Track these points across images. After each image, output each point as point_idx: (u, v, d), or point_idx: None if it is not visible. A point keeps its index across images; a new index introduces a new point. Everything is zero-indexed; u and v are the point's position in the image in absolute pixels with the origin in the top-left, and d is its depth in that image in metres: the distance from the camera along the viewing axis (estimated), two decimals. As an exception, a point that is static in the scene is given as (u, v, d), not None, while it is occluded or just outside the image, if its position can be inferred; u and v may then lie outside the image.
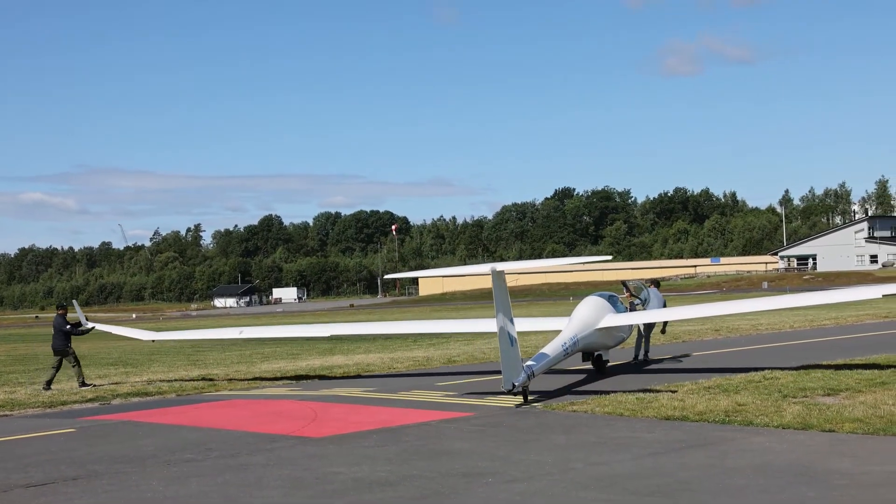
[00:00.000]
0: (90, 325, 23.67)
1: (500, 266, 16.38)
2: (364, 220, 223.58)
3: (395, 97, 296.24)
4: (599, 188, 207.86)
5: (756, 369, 19.21)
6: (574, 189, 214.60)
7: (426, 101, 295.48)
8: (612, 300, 21.24)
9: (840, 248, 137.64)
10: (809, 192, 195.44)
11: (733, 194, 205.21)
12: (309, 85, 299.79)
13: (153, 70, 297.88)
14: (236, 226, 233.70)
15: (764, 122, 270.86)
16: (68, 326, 22.53)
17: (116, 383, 23.21)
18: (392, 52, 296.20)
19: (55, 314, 23.00)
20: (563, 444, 12.48)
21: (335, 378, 22.61)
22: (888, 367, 18.85)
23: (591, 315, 20.35)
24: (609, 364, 21.69)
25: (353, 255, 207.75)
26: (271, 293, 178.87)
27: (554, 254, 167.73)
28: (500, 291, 16.26)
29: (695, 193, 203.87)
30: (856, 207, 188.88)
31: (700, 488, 9.78)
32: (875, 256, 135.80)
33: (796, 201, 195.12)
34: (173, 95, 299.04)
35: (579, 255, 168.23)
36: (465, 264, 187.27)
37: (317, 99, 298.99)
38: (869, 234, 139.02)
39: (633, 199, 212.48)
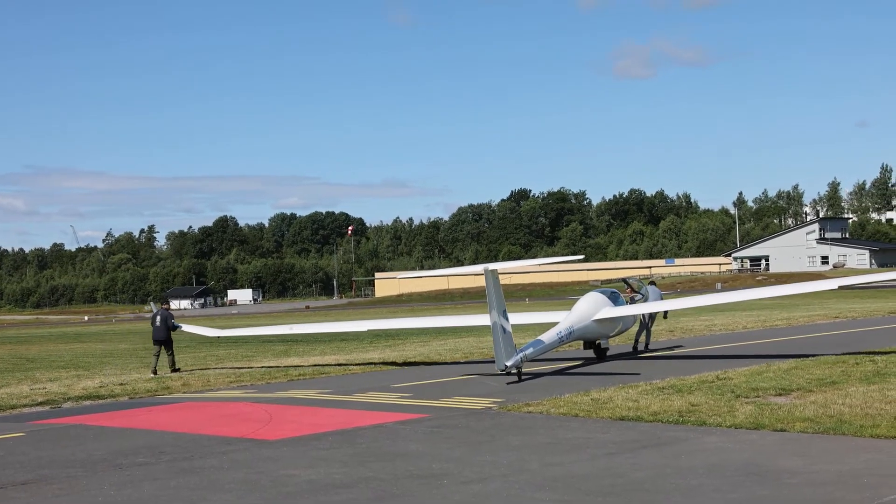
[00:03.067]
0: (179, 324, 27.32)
1: (492, 266, 19.33)
2: (319, 221, 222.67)
3: (349, 98, 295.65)
4: (555, 189, 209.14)
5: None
6: (530, 190, 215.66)
7: (380, 102, 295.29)
8: (613, 296, 23.94)
9: (792, 250, 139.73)
10: (763, 193, 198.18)
11: (687, 196, 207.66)
12: (262, 86, 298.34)
13: (105, 70, 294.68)
14: (191, 227, 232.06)
15: (717, 124, 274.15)
16: (173, 321, 26.32)
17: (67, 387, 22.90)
18: (347, 54, 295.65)
19: (159, 307, 26.89)
20: (519, 445, 12.52)
21: (291, 380, 22.52)
22: (838, 366, 19.14)
23: (588, 308, 23.04)
24: (609, 352, 24.21)
25: (308, 257, 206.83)
26: (226, 295, 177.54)
27: (509, 255, 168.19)
28: (493, 288, 19.02)
29: (650, 195, 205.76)
30: (808, 209, 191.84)
31: (654, 488, 9.86)
32: (826, 257, 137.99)
33: (750, 203, 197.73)
34: (126, 96, 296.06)
35: (535, 256, 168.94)
36: (422, 266, 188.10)
37: (270, 100, 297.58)
38: (820, 235, 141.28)
39: (588, 200, 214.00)
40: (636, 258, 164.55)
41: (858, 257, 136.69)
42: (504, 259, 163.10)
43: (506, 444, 12.64)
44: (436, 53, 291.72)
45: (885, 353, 21.81)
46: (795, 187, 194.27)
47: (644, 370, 20.71)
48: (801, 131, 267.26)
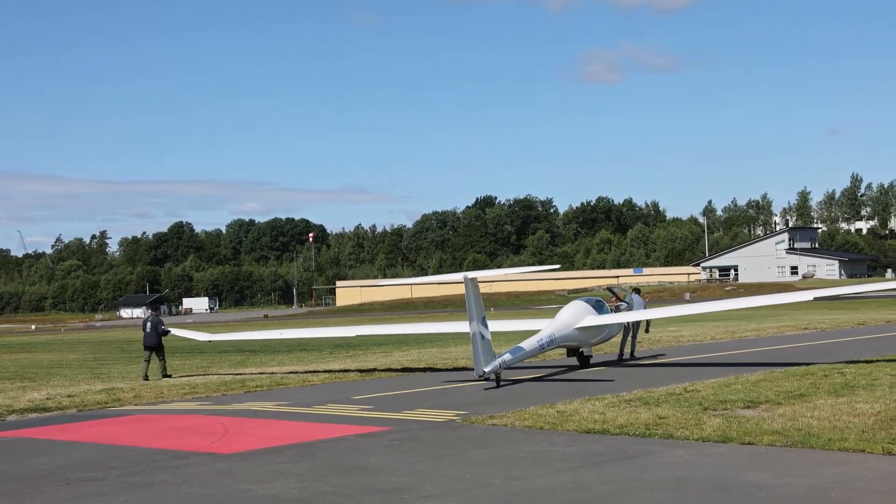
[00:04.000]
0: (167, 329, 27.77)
1: (472, 274, 20.47)
2: (279, 227, 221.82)
3: (310, 102, 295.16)
4: (521, 197, 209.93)
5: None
6: (496, 197, 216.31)
7: (343, 106, 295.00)
8: (597, 305, 25.01)
9: (761, 260, 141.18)
10: (732, 202, 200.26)
11: (655, 204, 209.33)
12: (220, 89, 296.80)
13: (55, 72, 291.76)
14: (144, 233, 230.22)
15: (686, 131, 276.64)
16: (163, 327, 27.00)
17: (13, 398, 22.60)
18: (309, 57, 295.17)
19: (150, 313, 27.69)
20: (482, 458, 12.53)
21: (248, 391, 22.40)
22: (807, 378, 19.35)
23: (571, 316, 24.05)
24: (592, 360, 25.11)
25: (267, 264, 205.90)
26: (181, 303, 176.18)
27: (475, 264, 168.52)
28: (472, 296, 20.18)
29: (617, 203, 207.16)
30: (777, 219, 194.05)
31: (620, 502, 9.91)
32: (795, 268, 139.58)
33: (719, 212, 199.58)
34: (78, 98, 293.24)
35: (500, 265, 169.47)
36: (385, 274, 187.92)
37: (228, 103, 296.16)
38: (789, 245, 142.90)
39: (555, 208, 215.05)
40: (603, 267, 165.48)
41: (828, 268, 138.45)
42: (470, 268, 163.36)
43: (469, 457, 12.64)
44: (400, 58, 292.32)
45: (855, 363, 22.09)
46: (765, 196, 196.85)
47: (627, 379, 20.97)
48: (770, 139, 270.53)
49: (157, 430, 16.44)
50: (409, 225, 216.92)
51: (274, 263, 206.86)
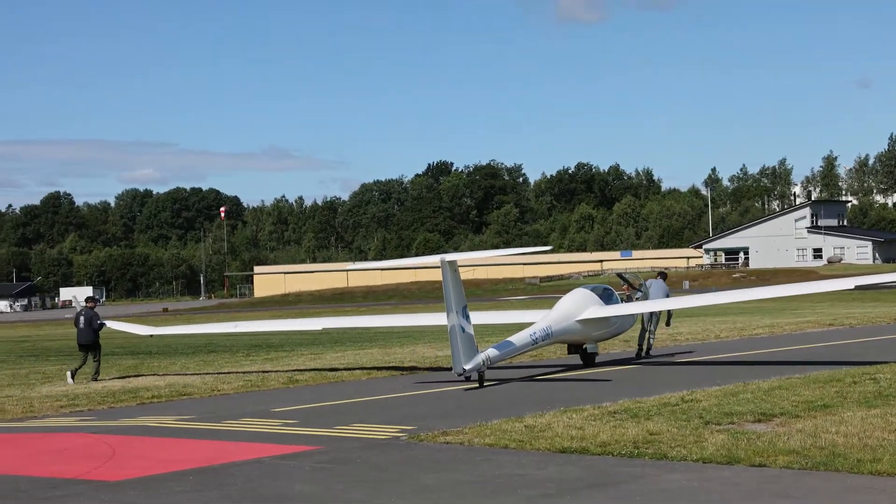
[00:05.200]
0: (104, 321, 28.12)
1: (450, 257, 21.46)
2: (182, 200, 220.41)
3: (220, 45, 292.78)
4: (483, 163, 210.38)
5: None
6: (452, 164, 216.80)
7: (260, 52, 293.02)
8: (605, 293, 25.99)
9: (777, 240, 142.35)
10: (741, 170, 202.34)
11: (648, 172, 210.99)
12: (107, 27, 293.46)
13: None
14: (10, 206, 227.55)
15: (684, 83, 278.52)
16: (99, 321, 27.31)
17: None
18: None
19: (83, 306, 27.82)
20: (432, 484, 12.55)
21: (141, 403, 22.28)
22: (831, 385, 19.59)
23: (572, 306, 24.99)
24: (598, 356, 26.12)
25: (167, 246, 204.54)
26: (58, 294, 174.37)
27: (426, 244, 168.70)
28: (451, 283, 21.15)
29: (602, 171, 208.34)
30: (797, 190, 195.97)
31: (602, 538, 9.97)
32: (819, 250, 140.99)
33: (725, 182, 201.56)
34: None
35: (457, 246, 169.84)
36: (314, 256, 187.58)
37: (116, 46, 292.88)
38: (812, 222, 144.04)
39: (524, 177, 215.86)
40: (584, 249, 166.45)
41: (859, 250, 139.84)
42: (420, 250, 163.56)
43: (416, 483, 12.66)
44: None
45: (890, 366, 22.40)
46: (782, 162, 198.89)
47: (630, 382, 21.33)
48: (789, 93, 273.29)
49: (27, 454, 16.28)
50: (345, 197, 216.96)
51: (176, 245, 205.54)
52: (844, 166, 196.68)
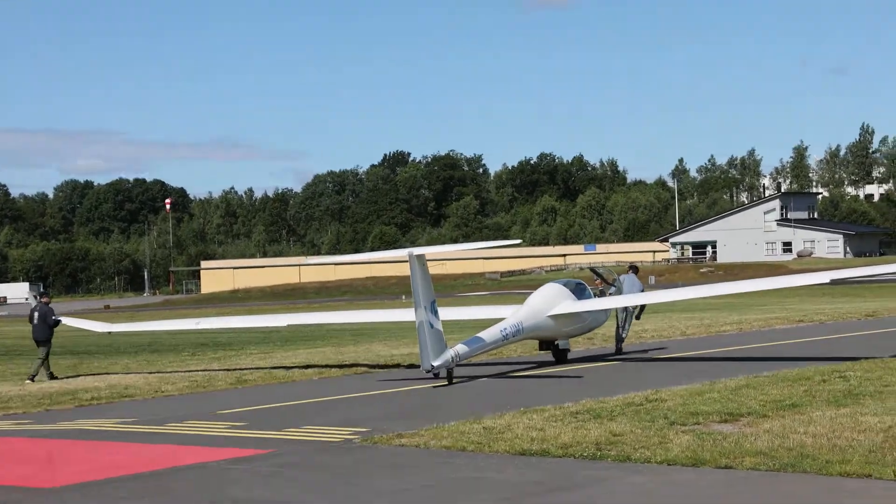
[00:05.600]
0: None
1: (418, 250, 22.02)
2: (125, 191, 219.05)
3: (165, 31, 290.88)
4: (442, 153, 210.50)
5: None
6: (409, 154, 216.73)
7: (209, 36, 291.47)
8: (578, 288, 26.66)
9: (746, 234, 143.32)
10: (709, 161, 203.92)
11: (613, 163, 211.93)
12: (47, 11, 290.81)
13: None
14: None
15: (652, 70, 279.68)
16: (53, 316, 27.60)
17: None
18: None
19: (37, 301, 28.09)
20: (387, 489, 12.57)
21: (80, 405, 22.15)
22: (800, 384, 19.74)
23: (543, 301, 25.58)
24: (570, 353, 26.71)
25: (109, 240, 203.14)
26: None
27: (382, 238, 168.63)
28: (419, 277, 21.79)
29: (565, 162, 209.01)
30: (766, 182, 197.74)
31: (562, 544, 10.00)
32: (789, 244, 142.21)
33: (693, 173, 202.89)
34: None
35: (414, 240, 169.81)
36: (265, 250, 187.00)
37: (54, 27, 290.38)
38: (781, 215, 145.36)
39: (484, 167, 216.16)
40: (547, 243, 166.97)
41: (830, 244, 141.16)
42: (376, 245, 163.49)
43: (370, 488, 12.67)
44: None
45: (861, 361, 22.60)
46: (751, 153, 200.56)
47: (603, 380, 21.40)
48: (759, 81, 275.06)
49: (-42, 458, 16.13)
50: (297, 189, 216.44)
51: (119, 238, 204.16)
52: (815, 157, 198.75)
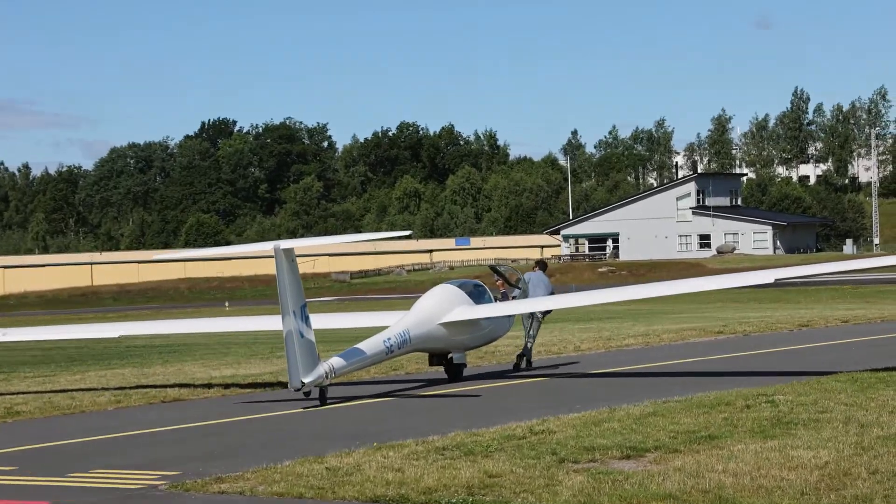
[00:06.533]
0: None
1: (285, 244, 22.27)
2: None
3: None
4: (276, 122, 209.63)
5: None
6: (235, 123, 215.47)
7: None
8: (475, 290, 27.50)
9: (655, 225, 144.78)
10: (609, 134, 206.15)
11: (492, 136, 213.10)
12: None
13: None
14: None
15: (536, 22, 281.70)
16: None
17: None
18: None
19: None
20: (201, 549, 12.43)
21: None
22: (719, 411, 20.04)
23: (433, 306, 26.35)
24: (466, 368, 27.50)
25: None
26: None
27: (200, 229, 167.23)
28: (287, 274, 22.36)
29: (431, 134, 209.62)
30: (679, 160, 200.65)
31: None
32: (706, 237, 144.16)
33: (589, 149, 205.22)
34: None
35: (241, 231, 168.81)
36: (46, 244, 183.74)
37: None
38: (698, 201, 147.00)
39: (330, 140, 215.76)
40: (409, 236, 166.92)
41: (757, 238, 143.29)
42: (192, 237, 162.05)
43: (179, 548, 12.51)
44: None
45: (792, 385, 23.05)
46: (661, 125, 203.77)
47: (481, 405, 21.81)
48: (668, 36, 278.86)
49: None
50: (89, 167, 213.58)
51: None
52: (739, 129, 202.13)
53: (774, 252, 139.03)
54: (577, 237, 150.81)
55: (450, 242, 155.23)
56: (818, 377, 24.46)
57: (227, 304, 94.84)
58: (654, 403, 21.22)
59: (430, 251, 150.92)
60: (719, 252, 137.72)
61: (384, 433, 19.20)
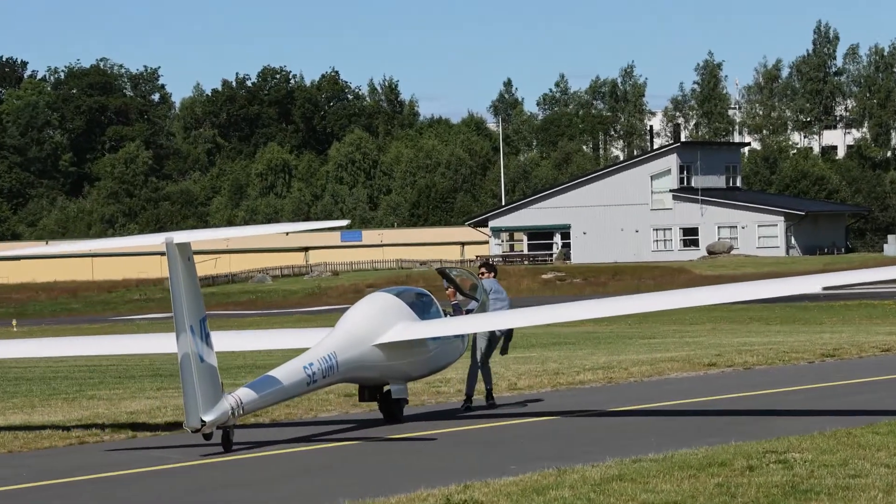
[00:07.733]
0: None
1: (180, 236, 22.84)
2: None
3: None
4: (84, 65, 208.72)
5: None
6: (25, 66, 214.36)
7: None
8: (419, 301, 28.08)
9: (620, 214, 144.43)
10: (557, 87, 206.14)
11: (392, 88, 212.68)
12: None
13: None
14: None
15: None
16: None
17: None
18: None
19: None
20: None
21: None
22: (710, 473, 20.21)
23: (366, 322, 26.77)
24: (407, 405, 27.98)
25: None
26: None
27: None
28: (182, 279, 22.55)
29: (307, 84, 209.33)
30: (655, 124, 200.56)
31: None
32: (693, 231, 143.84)
33: (529, 107, 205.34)
34: None
35: (38, 220, 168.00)
36: None
37: None
38: (681, 181, 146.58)
39: (164, 91, 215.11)
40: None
41: (763, 232, 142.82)
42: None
43: None
44: None
45: (811, 438, 23.26)
46: (628, 72, 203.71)
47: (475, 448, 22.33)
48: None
49: None
50: None
51: None
52: (737, 81, 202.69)
53: (788, 252, 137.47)
54: (511, 230, 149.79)
55: (334, 237, 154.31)
56: (848, 428, 24.66)
57: (14, 322, 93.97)
58: (620, 463, 21.29)
59: (306, 249, 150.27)
60: (710, 253, 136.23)
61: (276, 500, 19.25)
